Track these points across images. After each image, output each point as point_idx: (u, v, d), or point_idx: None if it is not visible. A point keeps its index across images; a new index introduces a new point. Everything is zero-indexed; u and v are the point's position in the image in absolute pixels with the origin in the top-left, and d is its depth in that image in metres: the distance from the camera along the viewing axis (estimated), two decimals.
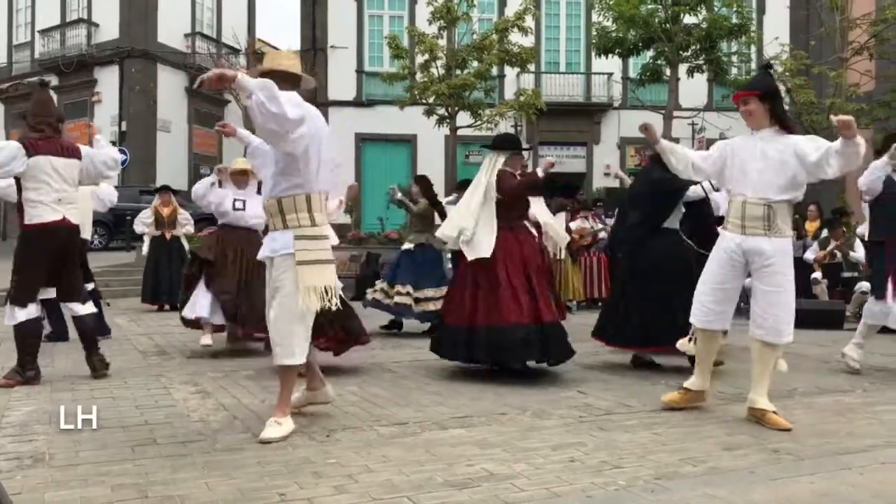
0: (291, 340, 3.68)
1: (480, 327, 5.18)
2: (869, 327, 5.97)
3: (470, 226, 5.33)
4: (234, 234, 6.46)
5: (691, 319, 4.34)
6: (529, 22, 16.78)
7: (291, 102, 3.48)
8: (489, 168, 5.45)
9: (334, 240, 4.49)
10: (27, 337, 5.00)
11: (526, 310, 5.13)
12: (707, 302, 4.23)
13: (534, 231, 5.88)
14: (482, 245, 5.27)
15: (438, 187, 6.74)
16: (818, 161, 3.91)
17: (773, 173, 4.02)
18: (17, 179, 4.97)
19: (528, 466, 3.20)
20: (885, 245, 5.92)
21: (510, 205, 5.39)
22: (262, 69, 3.83)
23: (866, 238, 6.43)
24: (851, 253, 10.27)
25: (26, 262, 5.05)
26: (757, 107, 4.12)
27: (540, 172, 5.50)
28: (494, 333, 5.12)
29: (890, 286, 5.78)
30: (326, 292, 3.69)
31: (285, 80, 3.72)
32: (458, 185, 7.73)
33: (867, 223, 6.42)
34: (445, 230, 5.60)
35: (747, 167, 4.09)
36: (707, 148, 4.92)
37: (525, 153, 5.61)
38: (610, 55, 17.68)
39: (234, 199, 6.52)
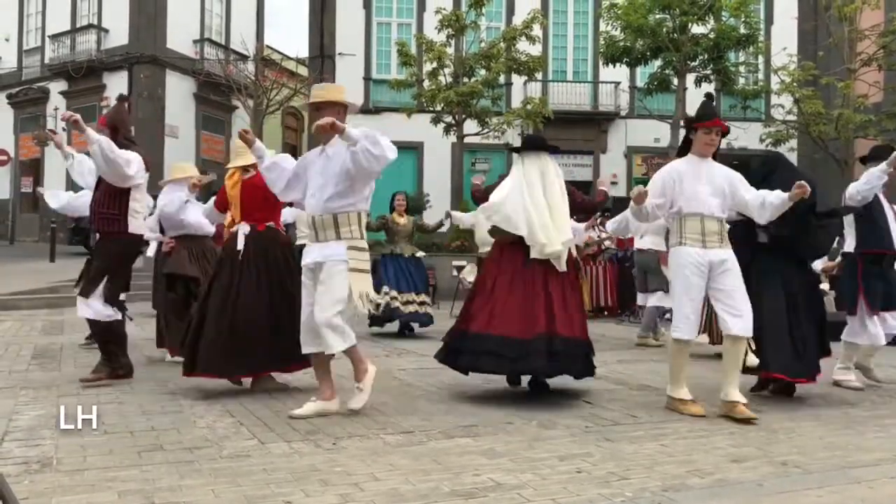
0: (345, 328, 4.21)
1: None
2: (850, 346, 5.77)
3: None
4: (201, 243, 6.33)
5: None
6: (537, 31, 16.80)
7: (388, 146, 4.14)
8: (552, 173, 5.21)
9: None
10: (114, 334, 5.28)
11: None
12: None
13: None
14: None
15: (444, 195, 6.90)
16: (751, 200, 4.66)
17: (719, 196, 4.64)
18: (128, 190, 5.17)
19: (535, 477, 3.19)
20: (862, 259, 5.69)
21: None
22: (323, 100, 4.38)
23: (845, 249, 6.01)
24: None
25: (126, 268, 5.37)
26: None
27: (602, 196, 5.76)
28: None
29: (862, 302, 5.61)
30: (366, 297, 4.28)
31: (338, 108, 4.35)
32: None
33: (851, 235, 5.86)
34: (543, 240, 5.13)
35: (698, 189, 4.61)
36: None
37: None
38: (617, 64, 17.66)
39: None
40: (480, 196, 5.75)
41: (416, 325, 8.79)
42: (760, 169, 5.30)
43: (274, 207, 5.08)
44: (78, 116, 4.76)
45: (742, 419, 4.30)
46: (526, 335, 4.73)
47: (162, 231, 6.66)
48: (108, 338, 5.24)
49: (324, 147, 4.38)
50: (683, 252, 4.59)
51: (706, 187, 4.61)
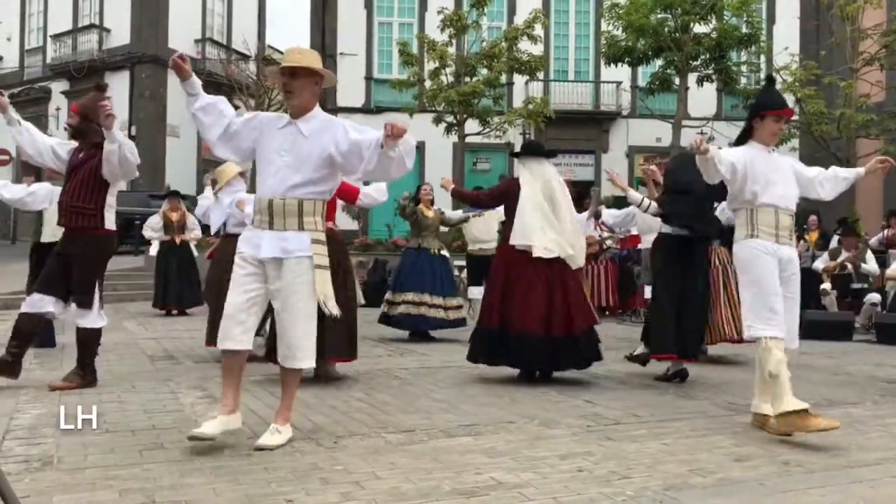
0: (311, 343, 3.65)
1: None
2: None
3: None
4: None
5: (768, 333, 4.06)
6: (539, 30, 16.81)
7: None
8: (554, 177, 5.59)
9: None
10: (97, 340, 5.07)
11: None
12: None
13: None
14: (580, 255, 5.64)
15: (445, 194, 6.80)
16: (816, 176, 4.40)
17: (791, 186, 4.27)
18: (106, 184, 4.88)
19: (536, 475, 3.19)
20: None
21: None
22: (299, 65, 3.66)
23: None
24: (863, 265, 10.20)
25: (104, 267, 5.06)
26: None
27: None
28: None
29: None
30: (328, 300, 3.65)
31: (315, 78, 3.75)
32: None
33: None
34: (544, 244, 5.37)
35: (771, 178, 4.19)
36: None
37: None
38: (619, 64, 17.67)
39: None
40: (481, 197, 5.99)
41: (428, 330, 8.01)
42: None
43: (331, 209, 5.13)
44: (115, 113, 4.57)
45: (779, 433, 3.97)
46: (562, 333, 5.29)
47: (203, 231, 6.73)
48: (92, 346, 5.00)
49: (293, 121, 3.71)
50: (757, 244, 4.14)
51: (779, 176, 4.22)
